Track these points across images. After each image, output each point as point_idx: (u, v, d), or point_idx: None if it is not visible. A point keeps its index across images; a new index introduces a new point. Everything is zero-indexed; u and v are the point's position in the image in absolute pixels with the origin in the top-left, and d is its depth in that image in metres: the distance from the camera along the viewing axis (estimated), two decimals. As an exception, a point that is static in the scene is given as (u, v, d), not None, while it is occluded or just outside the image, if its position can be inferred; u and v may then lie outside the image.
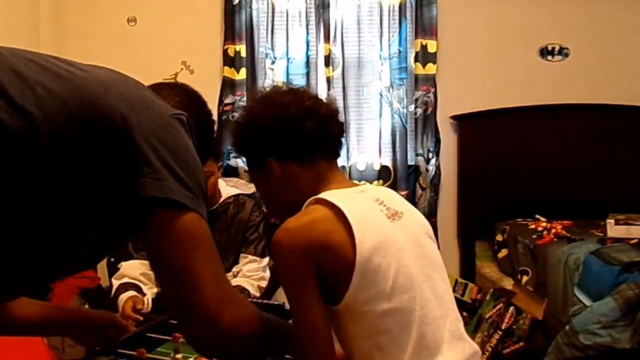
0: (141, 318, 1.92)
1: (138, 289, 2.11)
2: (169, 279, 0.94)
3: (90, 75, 0.94)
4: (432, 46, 3.81)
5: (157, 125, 0.92)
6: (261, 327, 1.04)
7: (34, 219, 0.87)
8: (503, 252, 3.55)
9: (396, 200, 1.32)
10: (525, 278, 3.19)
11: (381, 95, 3.85)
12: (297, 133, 1.27)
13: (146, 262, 2.23)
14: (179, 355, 1.50)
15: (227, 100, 3.81)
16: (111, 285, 2.25)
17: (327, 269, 1.14)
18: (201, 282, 0.92)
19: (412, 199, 3.86)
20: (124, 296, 2.06)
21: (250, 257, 2.27)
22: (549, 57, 3.96)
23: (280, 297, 1.63)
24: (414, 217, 1.33)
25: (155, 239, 0.93)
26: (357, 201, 1.23)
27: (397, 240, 1.21)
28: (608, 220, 3.00)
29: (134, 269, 2.21)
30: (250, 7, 3.79)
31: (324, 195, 1.22)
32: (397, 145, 3.84)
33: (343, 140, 1.38)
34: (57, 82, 0.89)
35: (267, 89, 1.40)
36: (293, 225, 1.16)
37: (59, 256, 0.95)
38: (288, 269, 1.15)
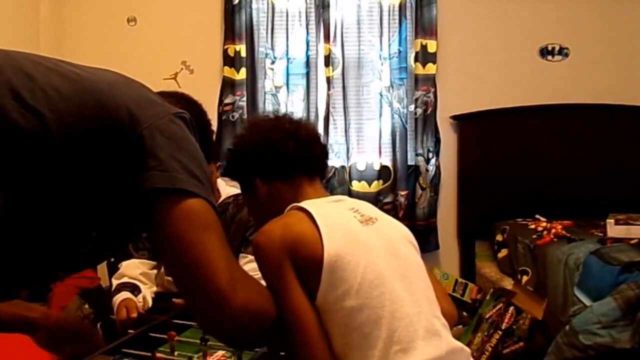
0: (135, 315, 1.95)
1: (134, 288, 2.11)
2: (180, 262, 0.93)
3: (96, 77, 0.96)
4: (432, 46, 3.82)
5: (163, 122, 0.94)
6: (273, 307, 1.05)
7: (39, 217, 0.88)
8: (503, 252, 3.55)
9: (372, 209, 1.38)
10: (525, 278, 3.19)
11: (381, 95, 3.86)
12: (280, 154, 1.39)
13: (146, 261, 2.25)
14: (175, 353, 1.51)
15: (227, 100, 3.81)
16: (111, 285, 2.25)
17: (301, 265, 1.19)
18: (212, 261, 0.91)
19: (412, 199, 3.87)
20: (117, 298, 2.07)
21: (250, 257, 2.26)
22: (549, 57, 3.96)
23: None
24: (390, 223, 1.38)
25: (164, 223, 0.92)
26: (330, 208, 1.31)
27: (368, 241, 1.25)
28: (608, 220, 3.00)
29: (134, 268, 2.21)
30: (250, 7, 3.79)
31: (300, 203, 1.31)
32: (397, 145, 3.84)
33: (328, 161, 1.51)
34: (65, 83, 0.91)
35: (255, 118, 1.51)
36: (269, 227, 1.24)
37: (60, 252, 0.95)
38: (268, 267, 1.20)
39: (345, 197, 1.43)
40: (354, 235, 1.25)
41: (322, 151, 1.47)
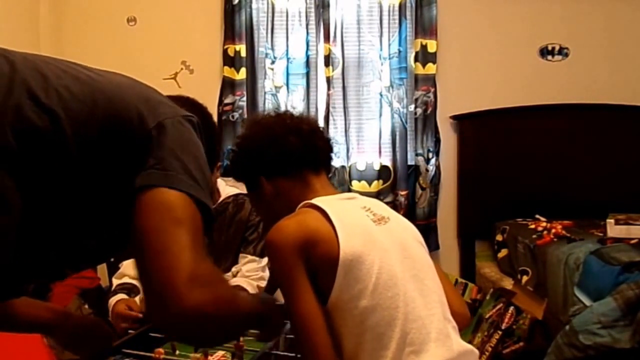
0: (140, 315, 1.93)
1: (131, 291, 2.11)
2: (141, 251, 0.88)
3: (106, 79, 0.98)
4: (432, 46, 3.82)
5: (171, 123, 0.96)
6: (237, 310, 0.98)
7: (52, 215, 0.89)
8: (503, 252, 3.55)
9: (384, 208, 1.37)
10: (525, 278, 3.19)
11: (381, 95, 3.86)
12: (282, 150, 1.37)
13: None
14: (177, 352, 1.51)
15: (227, 100, 3.81)
16: (111, 284, 2.25)
17: (315, 264, 1.18)
18: (177, 254, 0.86)
19: (412, 199, 3.87)
20: (113, 299, 2.06)
21: (250, 257, 2.27)
22: (549, 57, 3.96)
23: (280, 297, 1.63)
24: (402, 223, 1.37)
25: (138, 214, 0.89)
26: (343, 206, 1.29)
27: (381, 241, 1.24)
28: (608, 220, 3.00)
29: (134, 268, 2.21)
30: (250, 7, 3.79)
31: (312, 201, 1.30)
32: (397, 145, 3.84)
33: (333, 155, 1.47)
34: (77, 84, 0.92)
35: (256, 116, 1.50)
36: (284, 224, 1.22)
37: (70, 250, 0.96)
38: (281, 263, 1.19)
39: (356, 195, 1.41)
40: (369, 234, 1.24)
41: (326, 144, 1.44)
